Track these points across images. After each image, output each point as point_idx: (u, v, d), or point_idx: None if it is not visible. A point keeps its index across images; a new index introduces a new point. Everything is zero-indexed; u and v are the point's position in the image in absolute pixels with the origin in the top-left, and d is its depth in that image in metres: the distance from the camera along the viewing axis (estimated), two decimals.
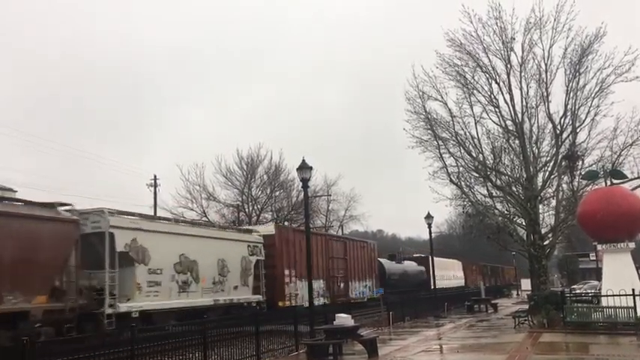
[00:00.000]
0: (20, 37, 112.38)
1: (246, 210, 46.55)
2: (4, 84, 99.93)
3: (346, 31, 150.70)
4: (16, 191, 20.81)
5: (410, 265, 45.78)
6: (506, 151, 28.03)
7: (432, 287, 37.47)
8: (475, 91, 26.77)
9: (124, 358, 10.80)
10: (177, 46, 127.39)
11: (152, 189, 43.13)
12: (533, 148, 26.89)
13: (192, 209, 44.20)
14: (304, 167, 17.44)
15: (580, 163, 26.33)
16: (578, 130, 25.92)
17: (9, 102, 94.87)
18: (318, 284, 26.45)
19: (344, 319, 15.38)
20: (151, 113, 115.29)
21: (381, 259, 39.14)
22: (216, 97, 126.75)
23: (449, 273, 54.10)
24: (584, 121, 25.72)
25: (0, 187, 17.44)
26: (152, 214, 38.63)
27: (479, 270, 68.04)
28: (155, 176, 43.17)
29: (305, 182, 17.88)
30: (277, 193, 47.87)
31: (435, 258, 52.85)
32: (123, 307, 15.87)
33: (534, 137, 26.87)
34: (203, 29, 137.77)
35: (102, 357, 10.67)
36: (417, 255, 54.89)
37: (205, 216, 44.38)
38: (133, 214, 18.21)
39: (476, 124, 27.01)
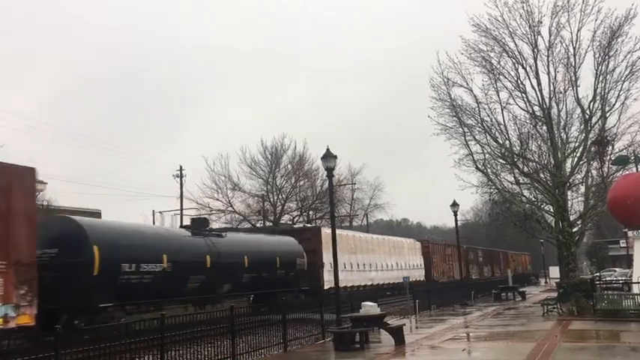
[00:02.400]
0: (57, 33, 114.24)
1: (271, 200, 46.72)
2: (38, 82, 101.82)
3: (367, 23, 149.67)
4: (46, 183, 21.16)
5: (256, 243, 24.40)
6: (534, 137, 27.63)
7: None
8: (501, 77, 26.41)
9: (154, 346, 10.96)
10: (203, 44, 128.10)
11: (178, 179, 43.65)
12: (562, 134, 26.44)
13: (217, 199, 44.53)
14: (328, 156, 17.36)
15: (610, 148, 25.83)
16: (607, 115, 25.41)
17: (45, 99, 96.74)
18: None
19: (370, 308, 15.37)
20: (181, 111, 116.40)
21: (78, 219, 16.81)
22: (243, 95, 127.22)
23: (389, 260, 35.39)
24: (614, 105, 25.24)
25: None
26: (179, 205, 39.12)
27: (456, 255, 43.05)
28: (181, 167, 43.64)
29: (329, 171, 17.80)
30: (302, 183, 47.88)
31: (352, 233, 35.12)
32: None
33: (562, 122, 26.42)
34: (227, 26, 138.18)
35: (132, 345, 10.85)
36: (300, 226, 37.43)
37: (231, 206, 44.71)
38: None
39: (502, 110, 26.67)
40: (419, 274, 39.59)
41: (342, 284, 22.51)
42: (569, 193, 27.21)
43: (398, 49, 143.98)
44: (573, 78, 25.42)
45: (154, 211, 44.28)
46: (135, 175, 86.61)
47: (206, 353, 11.92)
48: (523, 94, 26.21)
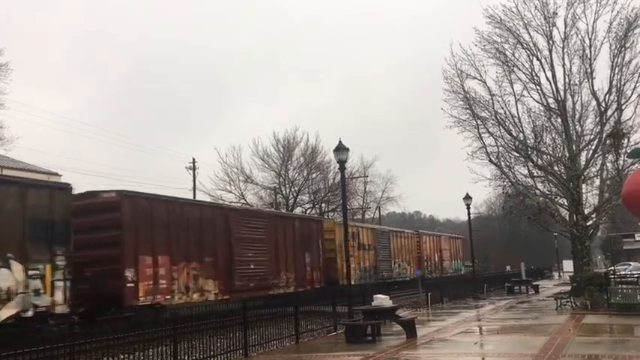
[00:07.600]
0: (91, 33, 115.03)
1: (284, 192, 46.81)
2: (60, 78, 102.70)
3: (383, 16, 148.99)
4: (60, 175, 21.33)
5: None
6: (548, 129, 27.37)
7: None
8: (515, 69, 26.17)
9: (167, 337, 11.05)
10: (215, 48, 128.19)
11: (191, 172, 43.79)
12: (576, 126, 26.20)
13: (230, 191, 44.71)
14: (341, 148, 17.31)
15: (625, 141, 25.52)
16: (623, 107, 25.14)
17: (69, 94, 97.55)
18: None
19: (382, 300, 15.36)
20: (189, 110, 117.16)
21: None
22: (259, 90, 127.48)
23: None
24: (629, 97, 24.98)
25: (46, 172, 17.93)
26: (191, 197, 39.31)
27: None
28: (193, 159, 43.79)
29: (342, 164, 17.74)
30: (314, 175, 47.96)
31: None
32: None
33: (577, 115, 26.18)
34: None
35: (147, 335, 10.96)
36: None
37: (243, 198, 44.89)
38: None
39: (516, 102, 26.45)
40: None
41: None
42: (583, 186, 26.97)
43: (411, 46, 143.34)
44: (589, 70, 25.17)
45: None
46: (148, 168, 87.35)
47: (219, 344, 11.99)
48: (537, 87, 26.01)
